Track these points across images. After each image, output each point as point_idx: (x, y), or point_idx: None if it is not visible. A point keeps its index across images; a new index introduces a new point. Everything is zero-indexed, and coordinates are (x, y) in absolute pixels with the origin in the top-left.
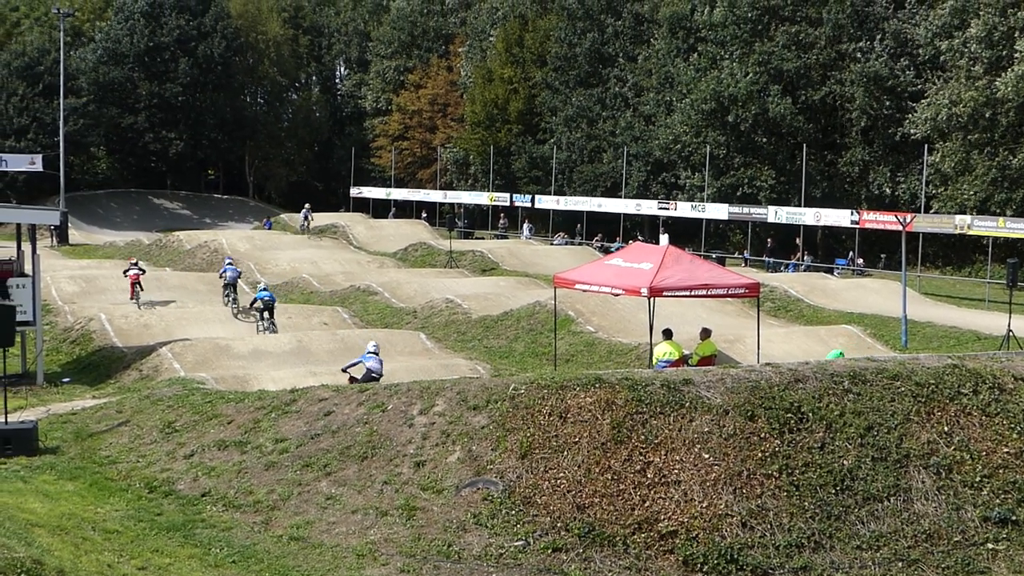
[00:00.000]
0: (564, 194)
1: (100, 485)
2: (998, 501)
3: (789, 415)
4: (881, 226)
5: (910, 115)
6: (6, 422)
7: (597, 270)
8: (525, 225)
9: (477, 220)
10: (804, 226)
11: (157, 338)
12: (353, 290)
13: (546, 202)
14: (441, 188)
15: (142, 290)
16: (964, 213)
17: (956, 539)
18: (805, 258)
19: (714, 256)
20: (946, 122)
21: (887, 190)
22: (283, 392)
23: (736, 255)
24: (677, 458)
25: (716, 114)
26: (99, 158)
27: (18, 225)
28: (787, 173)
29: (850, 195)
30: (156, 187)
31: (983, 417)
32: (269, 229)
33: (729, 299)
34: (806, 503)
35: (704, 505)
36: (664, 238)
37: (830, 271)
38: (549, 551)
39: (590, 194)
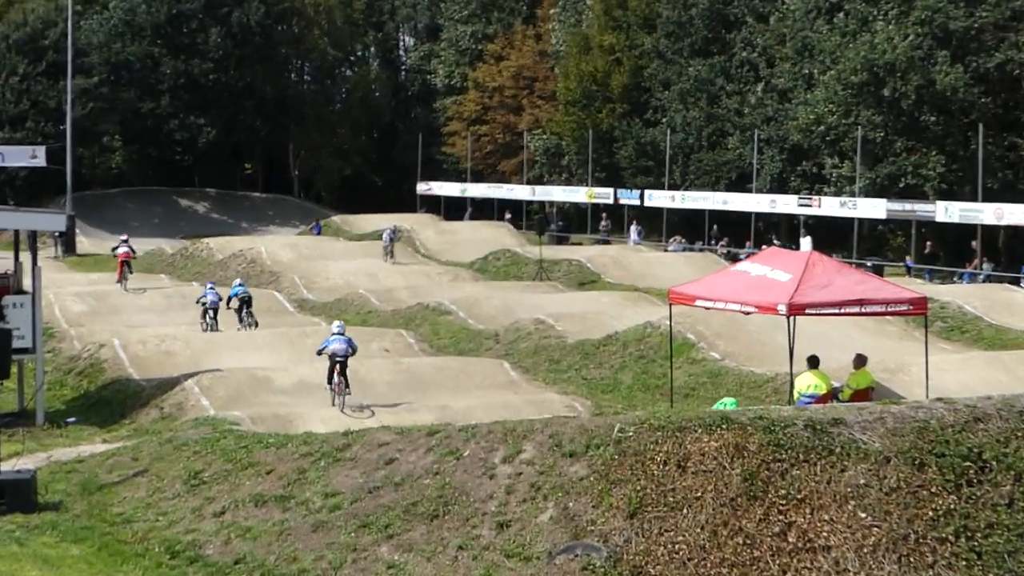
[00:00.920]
0: (680, 188)
1: (111, 549)
2: None
3: (968, 464)
4: None
5: None
6: None
7: (723, 282)
8: (632, 227)
9: (573, 222)
10: (982, 226)
11: (181, 369)
12: (420, 309)
13: (658, 199)
14: (528, 183)
15: (131, 272)
16: None
17: None
18: (984, 266)
19: (869, 264)
20: None
21: None
22: (334, 435)
23: (897, 263)
24: (826, 518)
25: (869, 88)
26: (113, 150)
27: (16, 232)
28: (959, 160)
29: None
30: (181, 184)
31: None
32: (318, 234)
33: (889, 318)
34: (991, 574)
35: None
36: (806, 242)
37: (1016, 282)
38: None
39: (712, 188)
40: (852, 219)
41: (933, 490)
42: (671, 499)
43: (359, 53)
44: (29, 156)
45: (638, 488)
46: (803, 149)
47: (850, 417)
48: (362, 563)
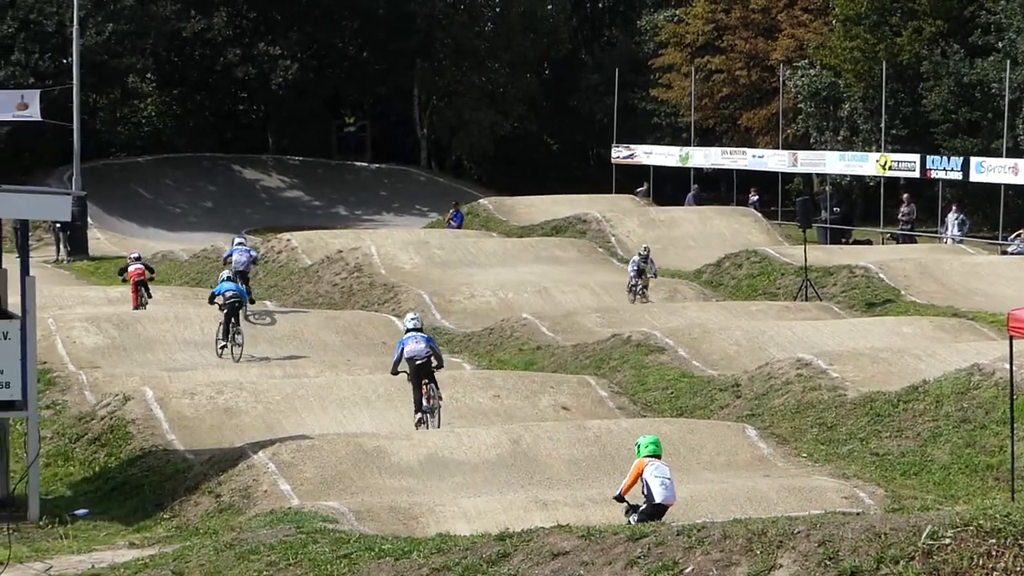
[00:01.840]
0: None
1: None
2: None
3: None
4: None
5: None
6: None
7: None
8: (951, 215)
9: (857, 206)
10: None
11: (248, 435)
12: (618, 344)
13: (992, 171)
14: (786, 145)
15: (150, 296)
16: None
17: None
18: None
19: None
20: None
21: None
22: (484, 539)
23: None
24: None
25: None
26: (143, 96)
27: None
28: None
29: None
30: (247, 149)
31: None
32: (458, 226)
33: None
34: None
35: None
36: None
37: None
38: None
39: None
40: None
41: None
42: None
43: None
44: (16, 106)
45: None
46: None
47: None
48: None
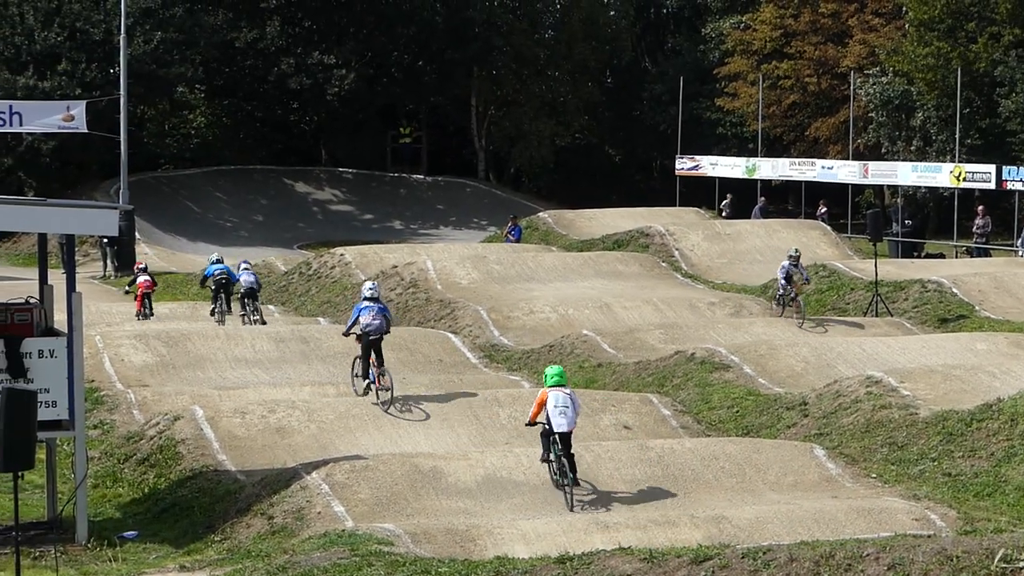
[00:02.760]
0: None
1: None
2: None
3: None
4: None
5: None
6: None
7: None
8: None
9: (930, 219)
10: None
11: (302, 455)
12: (681, 361)
13: None
14: (857, 156)
15: (152, 313)
16: None
17: None
18: None
19: None
20: None
21: None
22: (544, 562)
23: None
24: None
25: None
26: (192, 107)
27: (41, 238)
28: None
29: None
30: (300, 162)
31: None
32: (517, 240)
33: None
34: None
35: None
36: None
37: None
38: None
39: None
40: None
41: None
42: None
43: None
44: (62, 117)
45: None
46: None
47: None
48: None
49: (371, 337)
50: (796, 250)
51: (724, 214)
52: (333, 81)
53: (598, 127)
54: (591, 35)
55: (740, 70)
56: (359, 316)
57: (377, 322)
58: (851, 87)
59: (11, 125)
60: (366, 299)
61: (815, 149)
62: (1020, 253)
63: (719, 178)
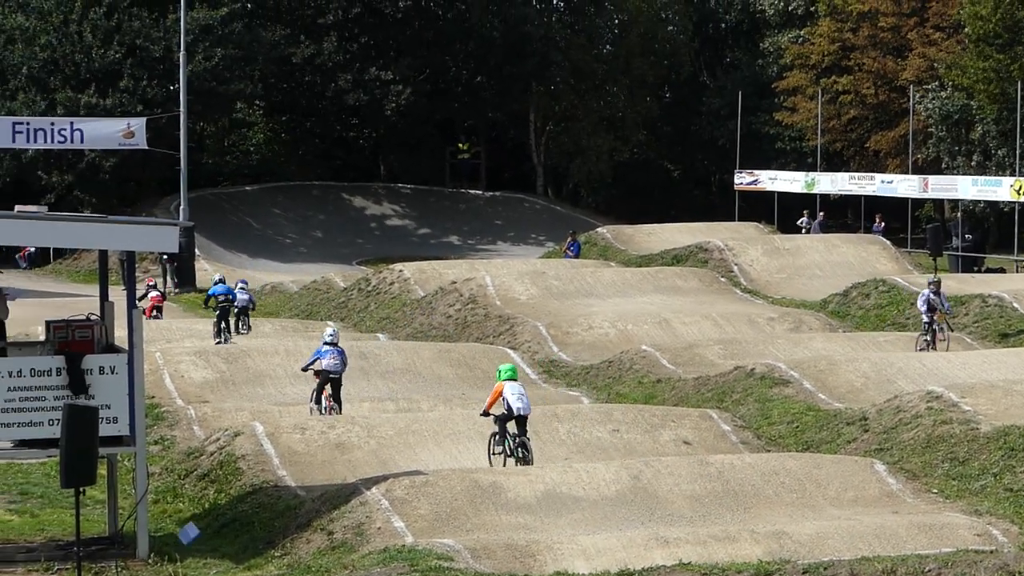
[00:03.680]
0: None
1: None
2: None
3: None
4: None
5: None
6: None
7: None
8: None
9: (991, 233)
10: None
11: (361, 470)
12: (741, 376)
13: None
14: (917, 170)
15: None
16: None
17: None
18: None
19: None
20: None
21: None
22: None
23: None
24: None
25: None
26: (251, 124)
27: (102, 255)
28: None
29: None
30: (358, 178)
31: None
32: (575, 256)
33: None
34: None
35: None
36: None
37: None
38: None
39: None
40: None
41: None
42: None
43: None
44: (122, 134)
45: None
46: None
47: None
48: None
49: (331, 375)
50: (937, 278)
51: (805, 231)
52: (391, 97)
53: (656, 142)
54: (649, 50)
55: (799, 84)
56: (320, 358)
57: (336, 363)
58: (910, 100)
59: (72, 142)
60: (327, 344)
61: (874, 163)
62: None
63: (778, 192)
